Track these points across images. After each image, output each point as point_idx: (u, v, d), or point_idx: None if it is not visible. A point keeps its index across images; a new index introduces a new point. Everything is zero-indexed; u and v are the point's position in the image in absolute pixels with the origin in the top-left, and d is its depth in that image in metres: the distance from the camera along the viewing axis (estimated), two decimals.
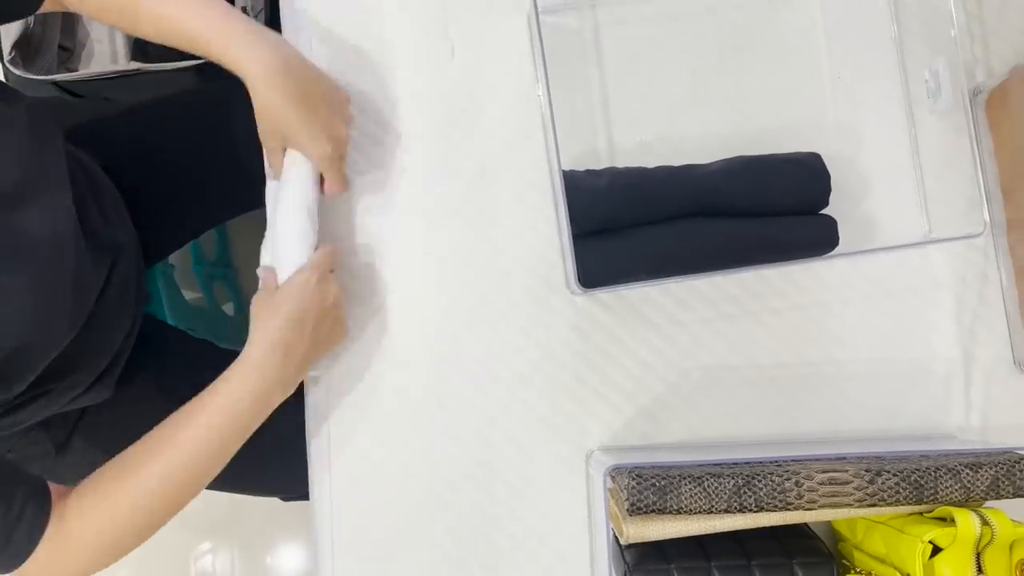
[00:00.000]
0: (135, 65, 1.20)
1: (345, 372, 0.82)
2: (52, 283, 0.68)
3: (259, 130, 0.74)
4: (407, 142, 0.84)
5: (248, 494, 1.01)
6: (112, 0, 0.72)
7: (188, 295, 1.29)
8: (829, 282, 0.83)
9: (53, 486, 0.68)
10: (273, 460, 0.90)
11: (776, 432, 0.81)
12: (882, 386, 0.82)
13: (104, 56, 1.32)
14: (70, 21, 1.29)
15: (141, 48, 1.27)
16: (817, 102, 0.83)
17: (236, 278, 1.42)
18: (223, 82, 1.05)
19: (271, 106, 0.71)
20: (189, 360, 0.99)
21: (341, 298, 0.77)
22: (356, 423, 0.81)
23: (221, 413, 0.70)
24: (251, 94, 0.71)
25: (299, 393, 0.80)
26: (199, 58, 1.13)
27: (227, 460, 0.72)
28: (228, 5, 0.72)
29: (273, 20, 1.07)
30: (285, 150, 0.75)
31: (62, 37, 1.30)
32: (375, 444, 0.81)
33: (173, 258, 1.24)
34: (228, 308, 1.39)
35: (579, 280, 0.71)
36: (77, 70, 1.30)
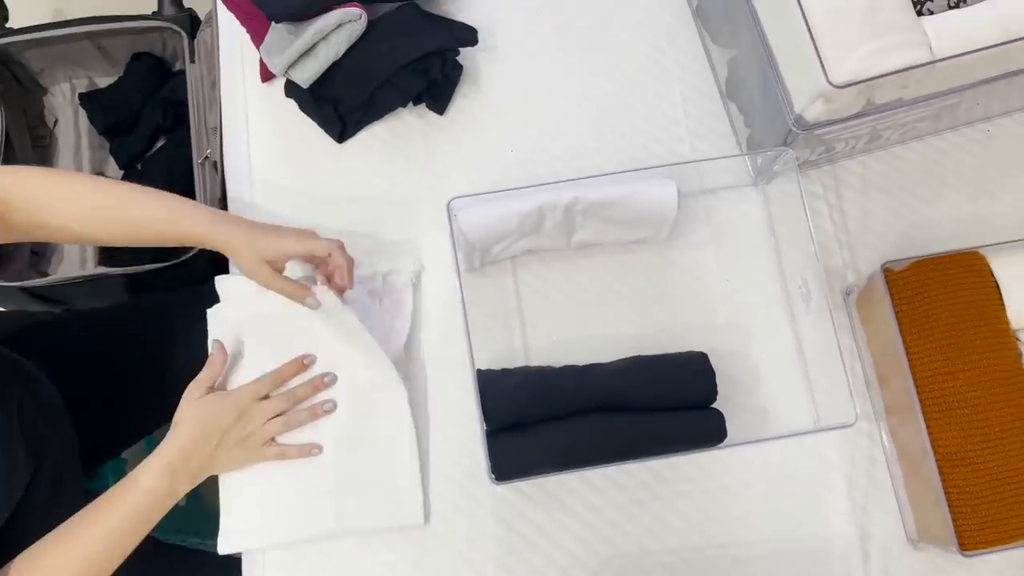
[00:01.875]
0: (102, 270, 1.29)
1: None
2: None
3: (257, 278, 0.84)
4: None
5: None
6: (92, 220, 0.82)
7: None
8: (732, 466, 0.89)
9: None
10: None
11: None
12: (787, 566, 0.87)
13: (73, 260, 1.42)
14: None
15: (109, 253, 1.37)
16: (707, 303, 0.94)
17: None
18: (186, 291, 1.15)
19: (255, 252, 0.82)
20: (133, 559, 1.01)
21: (253, 429, 0.85)
22: None
23: (130, 507, 0.79)
24: (232, 256, 0.84)
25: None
26: (164, 261, 1.24)
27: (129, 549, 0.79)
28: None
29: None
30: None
31: (34, 243, 1.40)
32: None
33: (126, 452, 1.28)
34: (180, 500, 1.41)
35: (492, 472, 0.78)
36: (48, 273, 1.39)
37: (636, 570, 0.86)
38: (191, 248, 1.22)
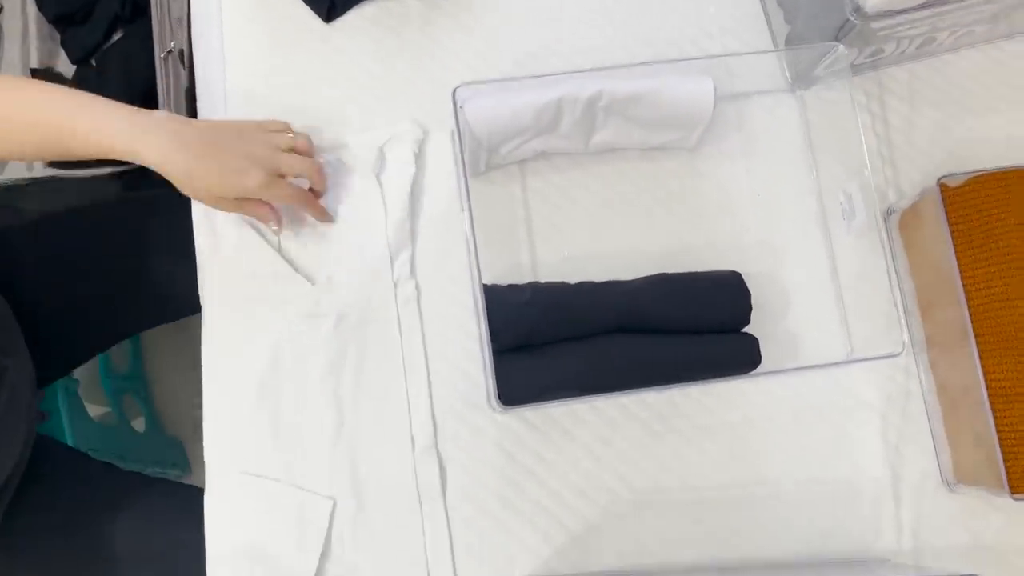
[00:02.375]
0: (51, 172, 1.17)
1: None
2: None
3: (206, 204, 0.74)
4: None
5: None
6: None
7: (95, 410, 1.21)
8: (756, 400, 0.81)
9: None
10: None
11: (709, 557, 0.78)
12: (813, 507, 0.80)
13: (19, 164, 1.28)
14: None
15: None
16: (738, 220, 0.84)
17: (149, 392, 1.35)
18: (142, 193, 1.03)
19: (190, 174, 0.69)
20: (87, 488, 0.92)
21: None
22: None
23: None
24: (168, 178, 0.70)
25: None
26: (118, 164, 1.12)
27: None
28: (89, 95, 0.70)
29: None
30: None
31: None
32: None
33: (78, 371, 1.17)
34: (138, 424, 1.31)
35: (499, 397, 0.69)
36: None
37: (649, 507, 0.79)
38: None
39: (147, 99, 1.10)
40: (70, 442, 1.04)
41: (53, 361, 0.92)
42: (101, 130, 0.68)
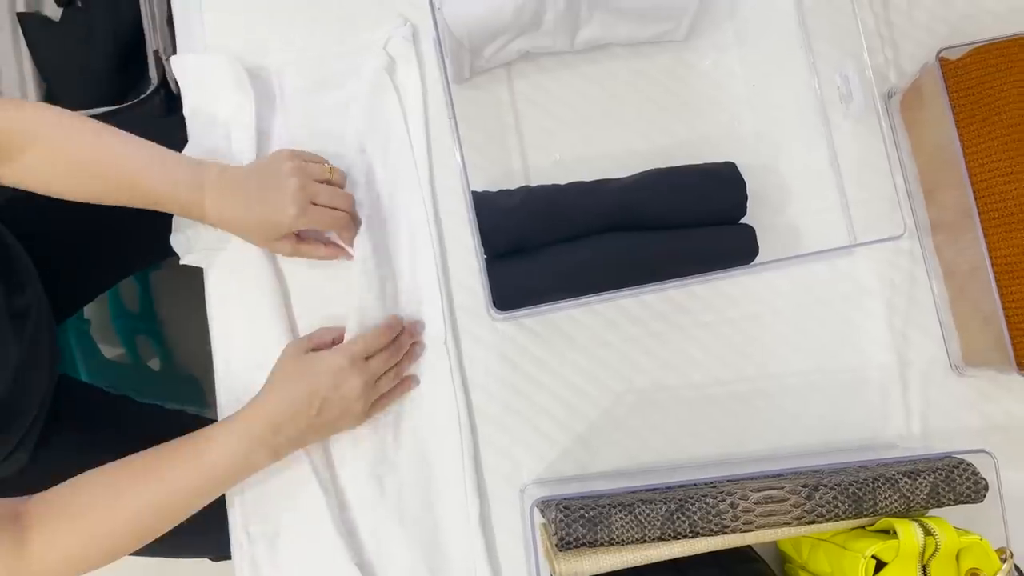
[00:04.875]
0: None
1: None
2: None
3: (273, 251, 0.77)
4: None
5: (168, 557, 0.94)
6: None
7: (108, 351, 1.23)
8: (758, 293, 0.80)
9: (1, 503, 0.64)
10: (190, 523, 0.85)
11: (716, 453, 0.78)
12: (820, 398, 0.79)
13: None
14: None
15: (51, 96, 1.23)
16: (733, 113, 0.82)
17: (162, 330, 1.36)
18: (137, 124, 1.02)
19: (239, 224, 0.74)
20: (105, 420, 0.93)
21: (361, 391, 0.71)
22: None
23: (198, 475, 0.67)
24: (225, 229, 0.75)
25: None
26: (111, 103, 1.11)
27: (188, 515, 0.69)
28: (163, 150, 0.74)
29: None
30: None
31: None
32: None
33: (91, 314, 1.19)
34: (154, 363, 1.33)
35: (494, 303, 0.68)
36: None
37: (653, 407, 0.79)
38: (146, 87, 1.09)
39: (135, 31, 1.09)
40: (84, 378, 1.06)
41: (62, 297, 0.93)
42: (162, 192, 0.72)
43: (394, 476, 0.76)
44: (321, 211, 0.73)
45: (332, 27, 0.84)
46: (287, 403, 0.69)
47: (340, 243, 0.77)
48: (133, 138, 0.73)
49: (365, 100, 0.80)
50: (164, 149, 0.73)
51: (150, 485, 0.66)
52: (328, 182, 0.75)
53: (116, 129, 0.73)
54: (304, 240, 0.76)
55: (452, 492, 0.76)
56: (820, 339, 0.80)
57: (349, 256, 0.77)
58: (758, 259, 0.74)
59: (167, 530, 0.68)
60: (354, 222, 0.76)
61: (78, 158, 0.72)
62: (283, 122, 0.81)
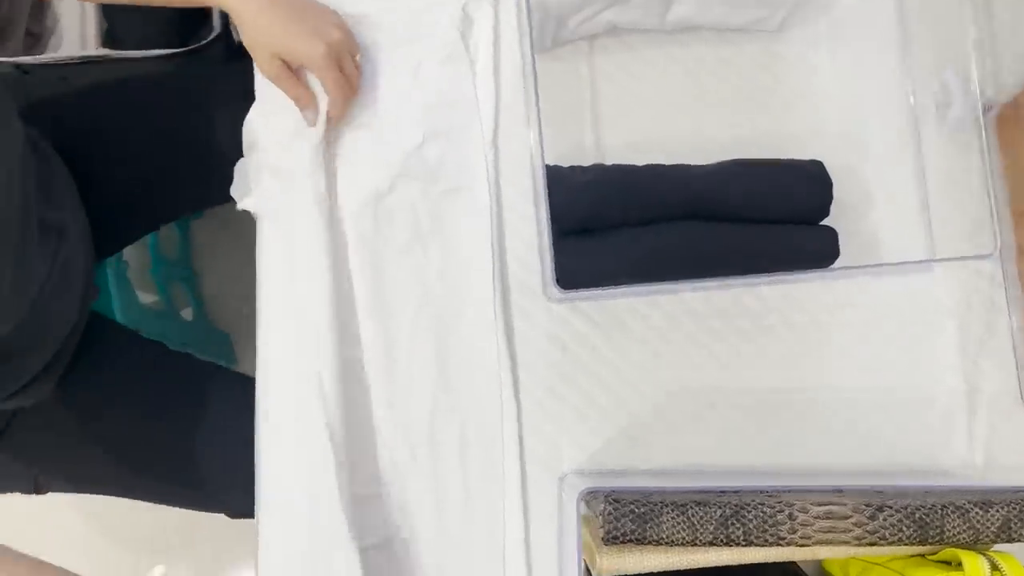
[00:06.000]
0: (103, 51, 1.15)
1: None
2: None
3: (256, 61, 0.73)
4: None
5: (189, 508, 0.93)
6: None
7: (144, 297, 1.21)
8: (826, 300, 0.77)
9: None
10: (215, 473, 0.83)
11: (767, 462, 0.75)
12: (880, 416, 0.76)
13: (73, 42, 1.26)
14: (39, 6, 1.24)
15: (111, 35, 1.22)
16: (820, 110, 0.78)
17: (197, 282, 1.35)
18: (196, 70, 1.00)
19: (261, 26, 0.70)
20: (138, 363, 0.92)
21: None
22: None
23: None
24: (239, 23, 0.71)
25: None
26: (171, 47, 1.09)
27: None
28: None
29: None
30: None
31: (30, 22, 1.24)
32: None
33: (129, 256, 1.17)
34: (186, 314, 1.31)
35: (557, 282, 0.65)
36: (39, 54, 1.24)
37: (704, 408, 0.75)
38: (207, 34, 1.08)
39: None
40: (119, 319, 1.04)
41: (106, 234, 0.91)
42: None
43: (429, 448, 0.73)
44: (340, 76, 0.72)
45: None
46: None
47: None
48: None
49: (436, 68, 0.77)
50: None
51: None
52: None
53: None
54: (290, 74, 0.74)
55: (490, 473, 0.73)
56: (886, 355, 0.76)
57: (314, 118, 0.75)
58: (837, 263, 0.71)
59: None
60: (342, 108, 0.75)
61: None
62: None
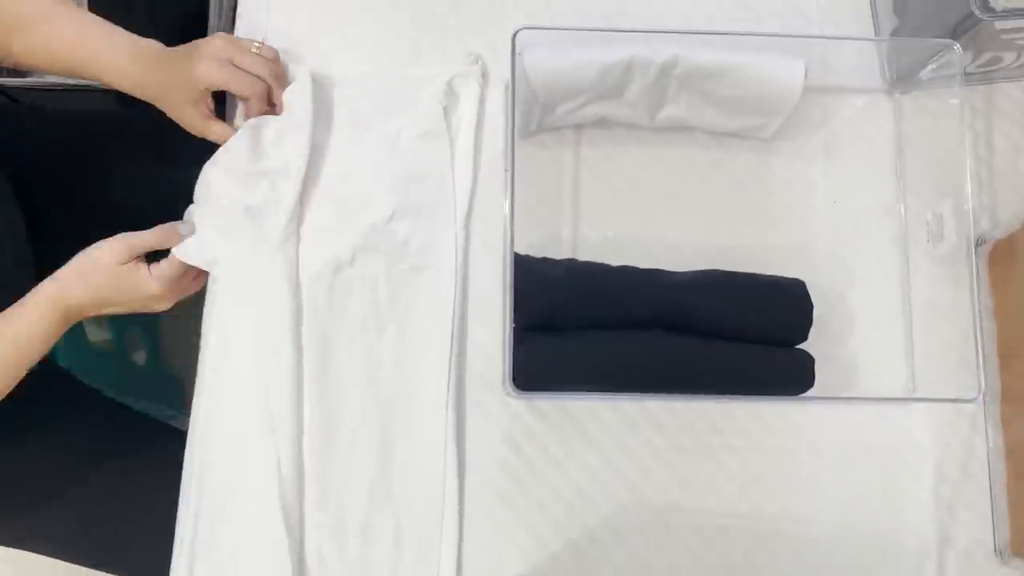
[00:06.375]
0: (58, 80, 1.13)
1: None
2: None
3: (180, 117, 0.72)
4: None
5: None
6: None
7: (94, 335, 1.16)
8: (799, 426, 0.73)
9: None
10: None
11: None
12: (844, 555, 0.71)
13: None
14: None
15: None
16: (808, 227, 0.76)
17: (155, 326, 1.30)
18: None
19: (145, 87, 0.70)
20: (69, 410, 0.87)
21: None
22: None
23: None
24: (126, 86, 0.70)
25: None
26: None
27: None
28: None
29: None
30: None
31: None
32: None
33: None
34: (138, 357, 1.26)
35: (514, 380, 0.61)
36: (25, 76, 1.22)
37: (659, 527, 0.71)
38: None
39: (199, 16, 1.05)
40: (61, 363, 0.99)
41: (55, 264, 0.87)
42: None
43: (360, 542, 0.68)
44: (240, 73, 0.69)
45: (401, 51, 0.78)
46: (93, 300, 0.68)
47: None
48: (86, 15, 0.71)
49: (414, 142, 0.74)
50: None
51: None
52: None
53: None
54: (216, 119, 0.72)
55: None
56: (858, 491, 0.72)
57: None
58: (812, 390, 0.67)
59: None
60: (274, 97, 0.73)
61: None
62: (335, 137, 0.75)
